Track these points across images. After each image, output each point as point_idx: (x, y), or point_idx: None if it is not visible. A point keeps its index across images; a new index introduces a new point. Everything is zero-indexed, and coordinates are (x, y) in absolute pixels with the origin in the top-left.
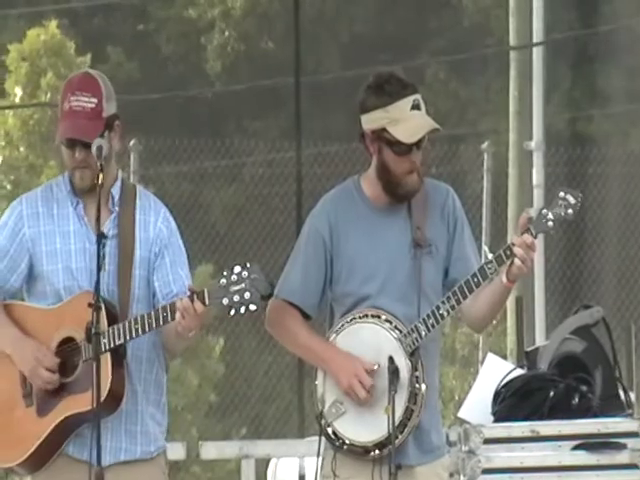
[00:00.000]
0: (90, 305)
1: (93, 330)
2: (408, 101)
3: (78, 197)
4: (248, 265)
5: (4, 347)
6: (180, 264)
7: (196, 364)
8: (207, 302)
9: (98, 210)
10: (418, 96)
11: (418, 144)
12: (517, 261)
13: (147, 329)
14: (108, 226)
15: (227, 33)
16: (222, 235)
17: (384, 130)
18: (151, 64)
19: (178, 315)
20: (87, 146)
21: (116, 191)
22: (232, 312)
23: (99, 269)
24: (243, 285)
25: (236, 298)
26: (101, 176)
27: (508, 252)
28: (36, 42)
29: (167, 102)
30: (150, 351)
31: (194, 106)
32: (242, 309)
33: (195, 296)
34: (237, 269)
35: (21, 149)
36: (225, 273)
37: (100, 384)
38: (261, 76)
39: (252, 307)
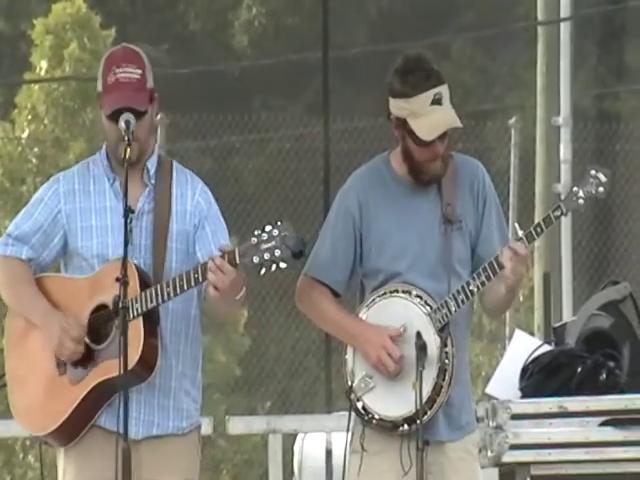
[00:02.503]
0: (117, 279)
1: (120, 304)
2: (429, 95)
3: (115, 173)
4: (279, 223)
5: (35, 320)
6: (221, 233)
7: (222, 338)
8: (237, 261)
9: (125, 184)
10: (441, 88)
11: (441, 136)
12: (507, 273)
13: (179, 291)
14: (143, 200)
15: (255, 10)
16: (249, 210)
17: (406, 121)
18: (178, 39)
19: (210, 274)
20: (135, 117)
21: (152, 164)
22: (262, 270)
23: (126, 243)
24: (274, 242)
25: (266, 256)
26: (129, 150)
27: (539, 229)
28: (62, 15)
29: (194, 77)
30: (189, 326)
31: (221, 81)
32: (273, 267)
33: (226, 256)
34: (268, 227)
35: (46, 122)
36: (256, 232)
37: (127, 356)
38: (288, 51)
39: (282, 265)
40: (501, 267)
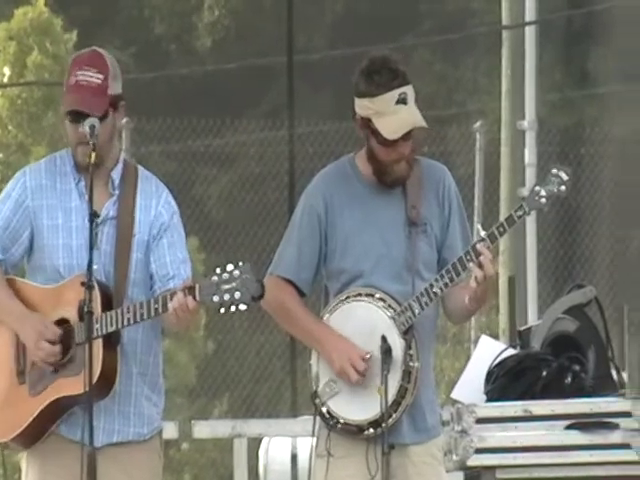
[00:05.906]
0: (83, 284)
1: (86, 309)
2: (394, 95)
3: (80, 174)
4: (240, 264)
5: (9, 321)
6: (179, 247)
7: (186, 343)
8: (198, 297)
9: (91, 189)
10: (406, 88)
11: (405, 136)
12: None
13: (138, 319)
14: (108, 208)
15: (217, 12)
16: (214, 214)
17: (370, 120)
18: (141, 43)
19: (172, 313)
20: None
21: (117, 174)
22: (222, 310)
23: (91, 248)
24: (234, 284)
25: (226, 297)
26: (94, 155)
27: (501, 229)
28: (23, 20)
29: (158, 81)
30: (146, 333)
31: (185, 85)
32: (232, 308)
33: (186, 291)
34: (229, 267)
35: (10, 128)
36: (217, 271)
37: (92, 366)
38: (251, 53)
39: (242, 307)
40: (464, 268)
